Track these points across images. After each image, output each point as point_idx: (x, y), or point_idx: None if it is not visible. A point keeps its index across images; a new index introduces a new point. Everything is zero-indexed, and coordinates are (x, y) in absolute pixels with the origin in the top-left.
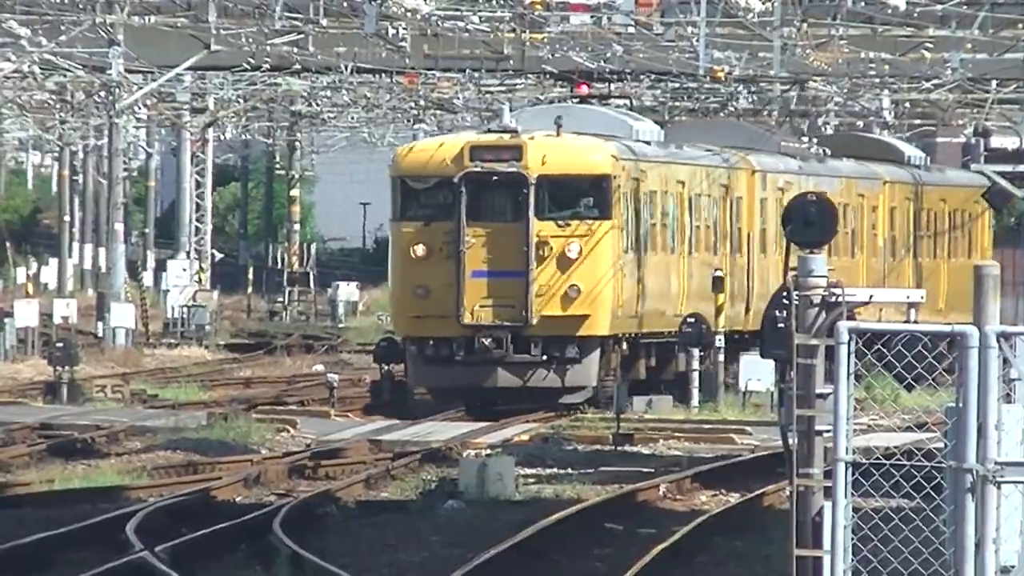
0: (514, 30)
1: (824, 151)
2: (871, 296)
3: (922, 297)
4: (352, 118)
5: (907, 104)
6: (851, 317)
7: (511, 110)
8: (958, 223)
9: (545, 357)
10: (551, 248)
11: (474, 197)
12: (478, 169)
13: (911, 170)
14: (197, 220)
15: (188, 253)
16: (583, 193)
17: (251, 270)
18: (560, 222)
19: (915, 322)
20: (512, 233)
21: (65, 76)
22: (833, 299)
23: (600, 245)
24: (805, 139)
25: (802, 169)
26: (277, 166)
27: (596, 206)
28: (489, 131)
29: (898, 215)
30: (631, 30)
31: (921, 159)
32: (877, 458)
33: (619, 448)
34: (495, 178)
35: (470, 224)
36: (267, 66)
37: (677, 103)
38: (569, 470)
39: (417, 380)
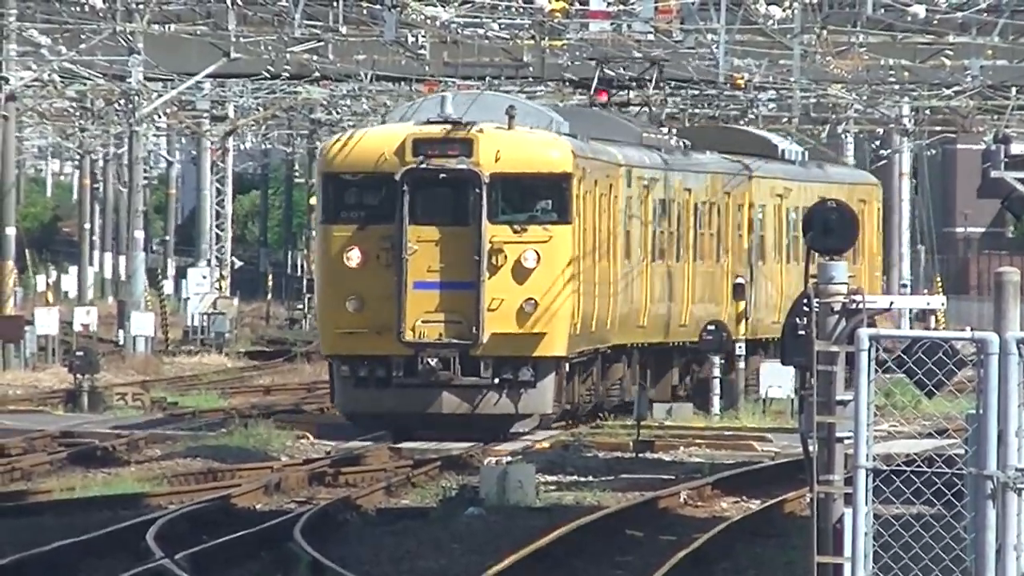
0: (533, 37)
1: (684, 143)
2: (891, 303)
3: (942, 304)
4: (371, 126)
5: (927, 111)
6: (871, 324)
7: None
8: None
9: (496, 380)
10: (505, 256)
11: (418, 197)
12: (423, 165)
13: (785, 165)
14: (217, 228)
15: (208, 261)
16: (541, 194)
17: (271, 277)
18: (516, 226)
19: (935, 328)
20: (461, 238)
21: (85, 84)
22: (853, 306)
23: (559, 253)
24: (664, 129)
25: (668, 164)
26: (296, 174)
27: (555, 209)
28: (430, 121)
29: (768, 214)
30: (651, 37)
31: (798, 153)
32: (898, 465)
33: (640, 455)
34: (442, 176)
35: (413, 227)
36: (287, 74)
37: (697, 110)
38: (590, 477)
39: (346, 405)
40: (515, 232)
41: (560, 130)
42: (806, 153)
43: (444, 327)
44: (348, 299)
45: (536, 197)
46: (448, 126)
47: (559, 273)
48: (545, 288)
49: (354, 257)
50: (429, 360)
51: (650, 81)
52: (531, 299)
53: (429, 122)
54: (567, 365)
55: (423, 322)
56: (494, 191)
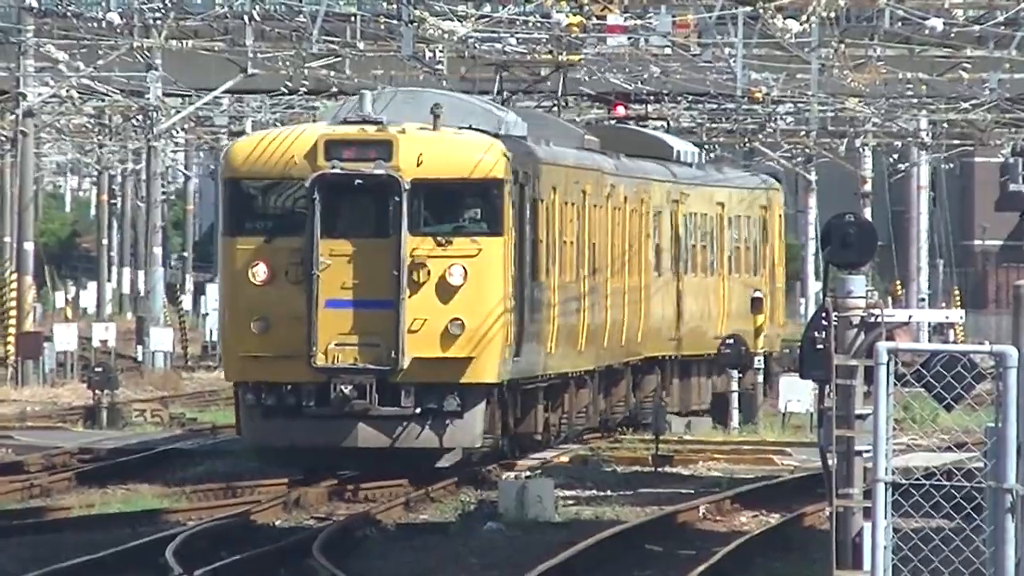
0: (551, 52)
1: None
2: (910, 317)
3: (961, 318)
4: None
5: (945, 124)
6: (889, 338)
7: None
8: (740, 232)
9: (419, 410)
10: (428, 271)
11: (331, 206)
12: (336, 170)
13: (682, 167)
14: None
15: None
16: (469, 202)
17: None
18: (440, 238)
19: (953, 342)
20: (379, 252)
21: (103, 100)
22: (872, 320)
23: (490, 268)
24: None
25: (619, 169)
26: None
27: (485, 219)
28: (346, 121)
29: (664, 221)
30: (668, 51)
31: (694, 155)
32: (917, 478)
33: (658, 469)
34: (358, 182)
35: (325, 240)
36: (304, 89)
37: (715, 124)
38: (608, 492)
39: (252, 437)
40: (439, 245)
41: (513, 132)
42: (703, 155)
43: (359, 351)
44: (253, 320)
45: (463, 205)
46: (364, 126)
47: (490, 290)
48: (473, 307)
49: (260, 273)
50: (343, 388)
51: (667, 96)
52: (457, 319)
53: (346, 122)
54: (501, 393)
55: (336, 345)
56: (415, 199)
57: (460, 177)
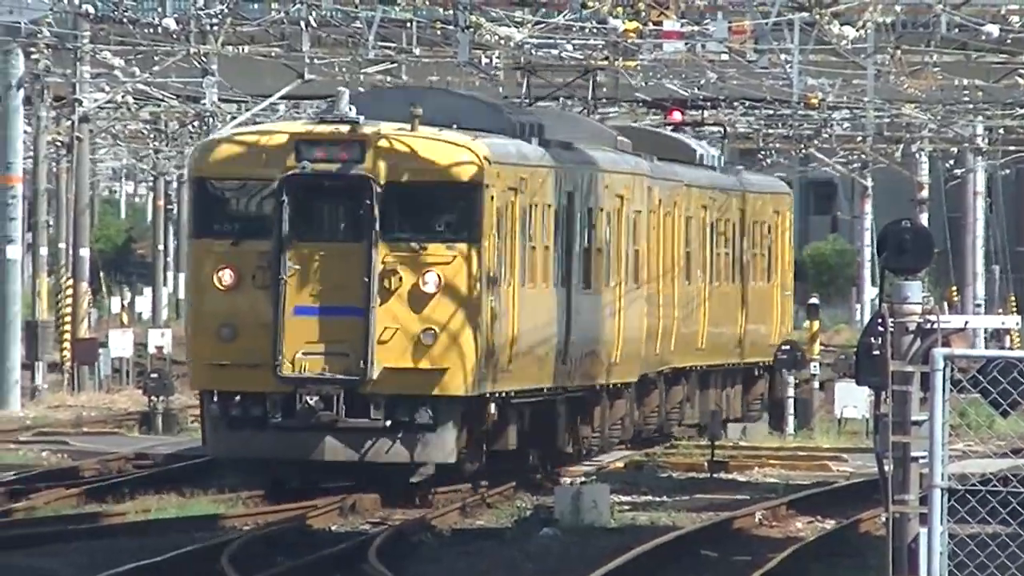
0: (607, 58)
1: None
2: (966, 323)
3: (1017, 324)
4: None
5: (1001, 130)
6: (946, 344)
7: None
8: (758, 238)
9: (389, 423)
10: (400, 279)
11: (300, 208)
12: (306, 171)
13: (706, 171)
14: None
15: None
16: (445, 207)
17: None
18: (413, 244)
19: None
20: (349, 257)
21: (159, 106)
22: (928, 326)
23: (466, 276)
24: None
25: (654, 172)
26: None
27: (462, 224)
28: (322, 120)
29: (693, 227)
30: (724, 57)
31: (714, 158)
32: (973, 484)
33: (714, 475)
34: (328, 184)
35: (293, 244)
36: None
37: (771, 129)
38: (664, 497)
39: (216, 448)
40: (413, 251)
41: (523, 133)
42: (723, 158)
43: (327, 360)
44: (219, 326)
45: (439, 210)
46: (338, 126)
47: (465, 300)
48: (447, 316)
49: (226, 277)
50: (308, 398)
51: (723, 102)
52: (430, 329)
53: (322, 120)
54: (481, 406)
55: (304, 354)
56: (389, 202)
57: (436, 180)
